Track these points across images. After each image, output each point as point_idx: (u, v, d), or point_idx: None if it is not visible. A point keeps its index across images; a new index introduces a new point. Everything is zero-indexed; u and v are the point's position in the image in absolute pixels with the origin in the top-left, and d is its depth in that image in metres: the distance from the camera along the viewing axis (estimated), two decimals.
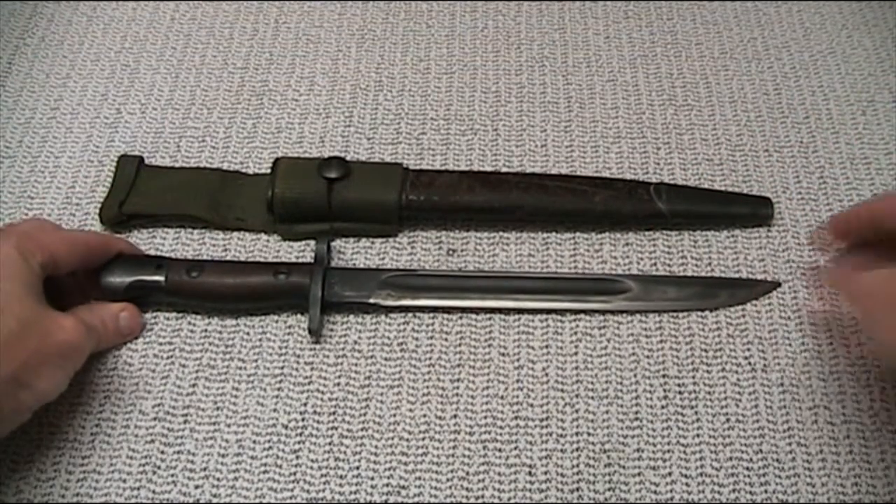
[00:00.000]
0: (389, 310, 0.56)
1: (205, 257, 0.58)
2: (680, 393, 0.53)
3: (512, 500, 0.50)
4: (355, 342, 0.55)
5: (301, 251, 0.59)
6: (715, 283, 0.58)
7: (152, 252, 0.59)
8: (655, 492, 0.50)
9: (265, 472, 0.50)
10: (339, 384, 0.54)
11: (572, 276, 0.58)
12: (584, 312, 0.56)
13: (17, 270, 0.47)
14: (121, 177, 0.60)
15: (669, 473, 0.50)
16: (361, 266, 0.59)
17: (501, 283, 0.57)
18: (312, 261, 0.56)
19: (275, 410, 0.53)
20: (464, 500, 0.50)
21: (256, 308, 0.56)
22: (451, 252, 0.60)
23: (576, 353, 0.55)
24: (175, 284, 0.54)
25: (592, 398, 0.53)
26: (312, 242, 0.59)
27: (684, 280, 0.58)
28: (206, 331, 0.55)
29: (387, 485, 0.50)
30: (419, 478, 0.50)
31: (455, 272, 0.58)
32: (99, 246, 0.54)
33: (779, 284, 0.58)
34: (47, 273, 0.49)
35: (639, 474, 0.50)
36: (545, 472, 0.51)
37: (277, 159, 0.60)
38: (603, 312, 0.56)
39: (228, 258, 0.59)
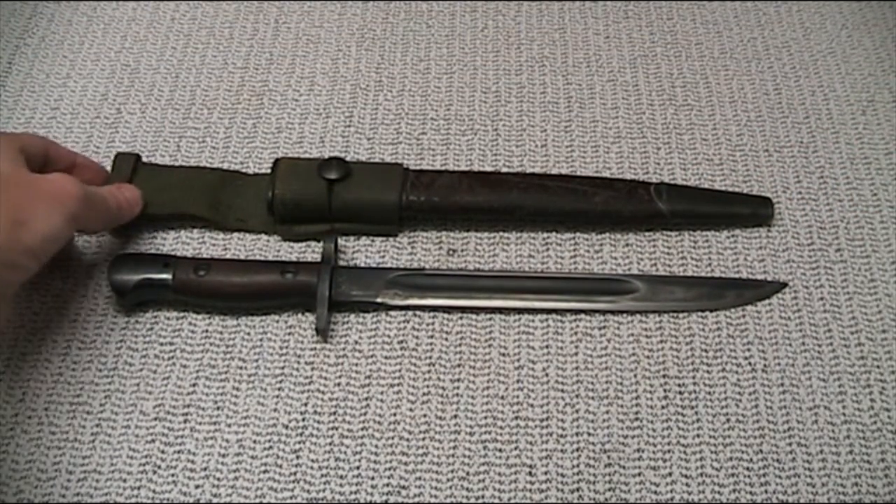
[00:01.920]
0: (396, 309, 0.56)
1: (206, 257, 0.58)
2: (680, 393, 0.53)
3: (512, 501, 0.50)
4: (356, 342, 0.55)
5: (301, 252, 0.59)
6: (722, 284, 0.58)
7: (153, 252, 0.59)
8: (655, 492, 0.50)
9: (265, 471, 0.50)
10: (339, 384, 0.54)
11: (580, 276, 0.58)
12: (592, 312, 0.56)
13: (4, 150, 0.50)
14: (117, 175, 0.60)
15: (669, 473, 0.51)
16: (362, 265, 0.59)
17: (509, 283, 0.57)
18: (319, 260, 0.56)
19: (275, 410, 0.53)
20: (464, 500, 0.50)
21: (262, 307, 0.56)
22: (451, 252, 0.60)
23: (576, 354, 0.55)
24: (182, 283, 0.54)
25: (593, 398, 0.53)
26: (313, 243, 0.59)
27: (691, 280, 0.58)
28: (206, 331, 0.55)
29: (387, 485, 0.50)
30: (419, 478, 0.50)
31: (463, 272, 0.58)
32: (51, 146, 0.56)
33: (785, 285, 0.58)
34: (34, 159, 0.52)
35: (639, 474, 0.51)
36: (545, 473, 0.51)
37: (277, 160, 0.60)
38: (612, 312, 0.56)
39: (228, 258, 0.59)
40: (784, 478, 0.50)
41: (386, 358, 0.55)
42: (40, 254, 0.48)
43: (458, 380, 0.54)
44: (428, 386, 0.54)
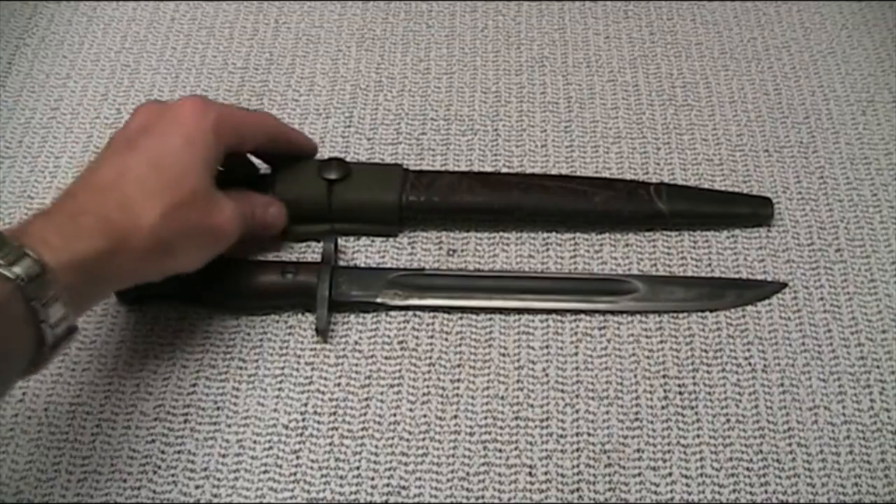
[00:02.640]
0: (396, 309, 0.56)
1: None
2: (680, 393, 0.53)
3: (512, 501, 0.50)
4: (356, 342, 0.55)
5: (301, 252, 0.59)
6: (722, 284, 0.58)
7: None
8: (655, 492, 0.50)
9: (265, 472, 0.50)
10: (339, 384, 0.54)
11: (580, 277, 0.58)
12: (592, 312, 0.56)
13: (205, 147, 0.49)
14: None
15: (669, 474, 0.51)
16: (362, 265, 0.59)
17: (509, 283, 0.57)
18: (319, 260, 0.56)
19: (275, 410, 0.53)
20: (464, 501, 0.50)
21: (262, 307, 0.56)
22: (451, 252, 0.60)
23: (576, 354, 0.55)
24: (182, 283, 0.54)
25: (593, 399, 0.53)
26: (313, 242, 0.59)
27: (692, 280, 0.58)
28: (206, 331, 0.55)
29: (387, 485, 0.50)
30: (419, 478, 0.50)
31: (463, 272, 0.58)
32: (279, 135, 0.57)
33: (785, 285, 0.58)
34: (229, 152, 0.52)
35: (639, 475, 0.50)
36: (545, 473, 0.51)
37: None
38: (612, 313, 0.56)
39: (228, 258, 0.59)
40: (784, 478, 0.50)
41: (386, 358, 0.55)
42: (168, 275, 0.49)
43: (458, 380, 0.54)
44: (428, 386, 0.54)
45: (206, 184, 0.49)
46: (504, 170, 0.64)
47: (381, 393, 0.53)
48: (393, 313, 0.56)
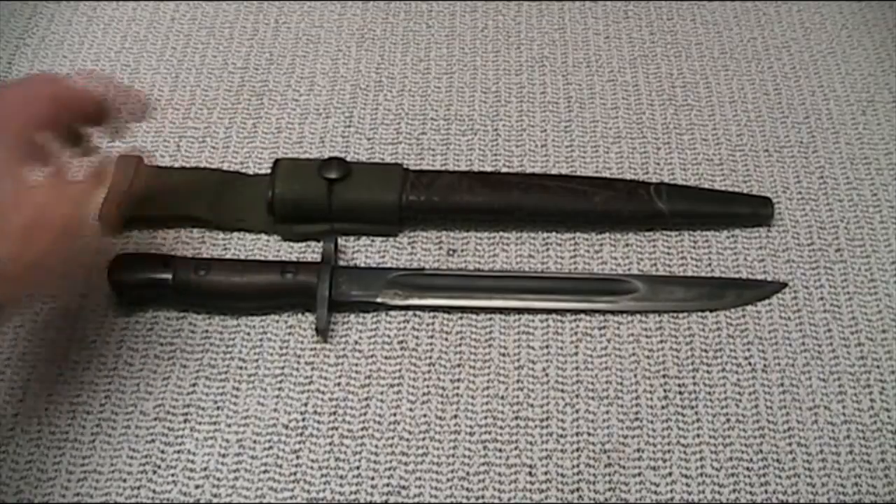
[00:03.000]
0: (396, 309, 0.56)
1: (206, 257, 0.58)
2: (680, 393, 0.53)
3: (512, 501, 0.50)
4: (356, 342, 0.55)
5: (301, 252, 0.59)
6: (722, 284, 0.58)
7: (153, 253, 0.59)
8: (655, 492, 0.50)
9: (265, 471, 0.50)
10: (339, 384, 0.54)
11: (580, 276, 0.58)
12: (592, 312, 0.56)
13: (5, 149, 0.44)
14: (119, 177, 0.60)
15: (669, 473, 0.51)
16: (362, 265, 0.59)
17: (509, 283, 0.57)
18: (319, 260, 0.56)
19: (275, 410, 0.53)
20: (464, 500, 0.50)
21: (262, 307, 0.56)
22: (451, 252, 0.60)
23: (576, 354, 0.55)
24: (183, 283, 0.54)
25: (593, 398, 0.53)
26: (313, 242, 0.59)
27: (692, 280, 0.58)
28: (206, 331, 0.55)
29: (387, 485, 0.50)
30: (419, 478, 0.50)
31: (463, 272, 0.58)
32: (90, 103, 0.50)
33: (785, 285, 0.58)
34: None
35: (639, 474, 0.51)
36: (545, 473, 0.51)
37: (277, 160, 0.60)
38: (612, 313, 0.56)
39: (228, 258, 0.59)
40: (784, 478, 0.50)
41: (386, 358, 0.55)
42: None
43: (458, 380, 0.54)
44: (428, 386, 0.54)
45: (9, 189, 0.43)
46: (504, 170, 0.64)
47: (381, 393, 0.53)
48: (393, 313, 0.56)
